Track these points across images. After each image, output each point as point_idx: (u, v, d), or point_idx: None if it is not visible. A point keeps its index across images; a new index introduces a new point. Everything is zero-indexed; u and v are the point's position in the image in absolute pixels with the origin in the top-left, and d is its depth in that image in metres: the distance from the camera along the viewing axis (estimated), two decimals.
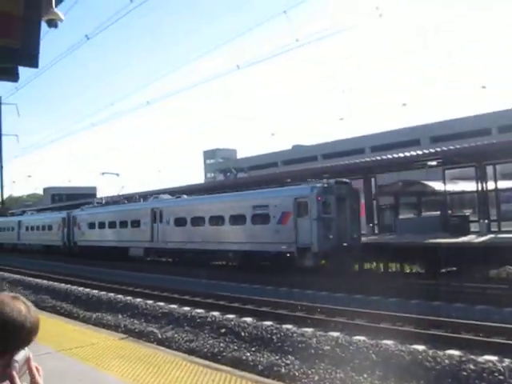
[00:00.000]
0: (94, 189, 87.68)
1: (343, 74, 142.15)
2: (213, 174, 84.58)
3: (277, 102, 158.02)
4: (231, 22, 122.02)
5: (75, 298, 18.38)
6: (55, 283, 22.79)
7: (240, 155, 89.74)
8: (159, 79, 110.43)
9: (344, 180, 24.54)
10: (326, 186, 22.91)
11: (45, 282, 23.42)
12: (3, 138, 63.12)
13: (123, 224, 34.47)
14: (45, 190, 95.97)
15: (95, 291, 19.55)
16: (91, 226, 38.62)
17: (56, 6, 4.30)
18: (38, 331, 1.62)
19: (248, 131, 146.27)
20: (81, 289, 20.42)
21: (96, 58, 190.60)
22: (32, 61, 3.73)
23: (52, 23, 3.99)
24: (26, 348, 1.61)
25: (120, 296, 18.01)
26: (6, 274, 27.66)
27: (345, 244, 22.03)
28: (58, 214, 45.96)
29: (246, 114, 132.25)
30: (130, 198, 39.41)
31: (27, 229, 49.52)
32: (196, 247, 27.74)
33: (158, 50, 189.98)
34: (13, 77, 3.95)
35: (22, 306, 1.59)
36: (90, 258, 35.10)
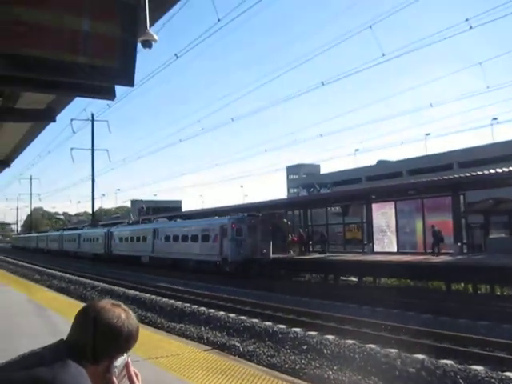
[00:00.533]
0: (180, 202, 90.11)
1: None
2: (296, 190, 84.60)
3: (362, 117, 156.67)
4: (318, 38, 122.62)
5: (160, 309, 18.87)
6: (141, 293, 23.52)
7: (323, 170, 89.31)
8: (244, 96, 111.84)
9: (255, 214, 34.52)
10: (239, 217, 33.92)
11: (132, 291, 24.24)
12: (95, 152, 66.38)
13: (137, 239, 47.02)
14: (132, 202, 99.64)
15: (179, 303, 20.00)
16: (120, 239, 51.93)
17: (150, 27, 4.51)
18: (137, 338, 1.69)
19: (332, 146, 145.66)
20: (165, 300, 20.96)
21: (183, 75, 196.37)
22: (128, 80, 3.91)
23: (146, 44, 4.18)
24: (125, 354, 1.67)
25: (203, 308, 18.34)
26: (96, 283, 28.85)
27: (255, 257, 31.92)
28: (102, 230, 58.60)
29: (330, 129, 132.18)
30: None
31: (84, 240, 62.48)
32: (174, 257, 39.58)
33: (242, 68, 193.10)
34: (110, 96, 4.15)
35: (122, 313, 1.66)
36: (121, 263, 46.85)
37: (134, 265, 44.04)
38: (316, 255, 30.64)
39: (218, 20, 16.79)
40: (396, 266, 23.54)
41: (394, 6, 24.25)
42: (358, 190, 37.60)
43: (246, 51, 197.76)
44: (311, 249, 33.78)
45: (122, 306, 1.70)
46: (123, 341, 1.64)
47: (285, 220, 36.09)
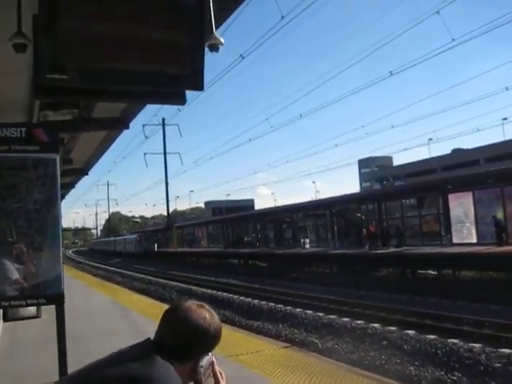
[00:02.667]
0: (252, 201, 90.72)
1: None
2: (368, 183, 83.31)
3: (434, 106, 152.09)
4: (383, 26, 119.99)
5: (237, 307, 19.13)
6: (218, 292, 23.91)
7: (396, 162, 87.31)
8: (311, 92, 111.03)
9: (148, 230, 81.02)
10: (140, 234, 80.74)
11: (209, 291, 24.70)
12: (168, 156, 67.92)
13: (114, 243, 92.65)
14: (206, 203, 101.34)
15: (256, 301, 20.18)
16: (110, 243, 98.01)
17: (216, 30, 4.58)
18: (221, 338, 1.74)
19: (404, 137, 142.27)
20: (242, 298, 21.22)
21: (250, 74, 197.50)
22: (198, 84, 4.00)
23: (213, 48, 4.25)
24: (210, 353, 1.73)
25: (280, 305, 18.41)
26: (174, 283, 29.58)
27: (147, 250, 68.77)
28: (111, 238, 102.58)
29: (401, 120, 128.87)
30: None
31: (119, 243, 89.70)
32: (120, 250, 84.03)
33: (306, 65, 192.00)
34: (181, 101, 4.26)
35: (207, 314, 1.71)
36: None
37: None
38: (392, 249, 30.06)
39: (282, 17, 16.80)
40: (476, 257, 22.76)
41: None
42: (434, 181, 36.53)
43: (311, 46, 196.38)
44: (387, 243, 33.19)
45: (206, 306, 1.74)
46: (210, 341, 1.69)
47: (358, 214, 35.64)
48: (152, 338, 1.69)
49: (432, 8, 25.62)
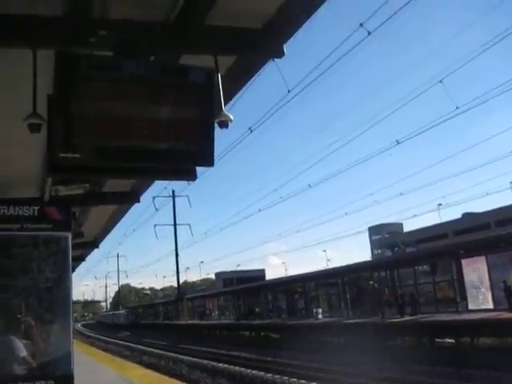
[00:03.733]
0: (263, 271, 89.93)
1: None
2: (379, 251, 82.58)
3: (442, 172, 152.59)
4: (387, 95, 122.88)
5: (250, 381, 18.57)
6: (230, 366, 23.26)
7: (407, 228, 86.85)
8: (320, 161, 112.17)
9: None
10: (128, 310, 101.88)
11: (220, 365, 24.03)
12: (178, 227, 68.12)
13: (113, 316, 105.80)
14: (216, 274, 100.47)
15: (269, 375, 19.57)
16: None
17: (224, 106, 4.70)
18: None
19: (413, 203, 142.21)
20: (255, 372, 20.59)
21: (260, 147, 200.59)
22: (208, 160, 4.07)
23: (223, 124, 4.34)
24: None
25: (294, 379, 17.86)
26: (185, 358, 28.88)
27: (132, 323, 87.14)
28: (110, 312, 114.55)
29: (410, 186, 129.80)
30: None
31: (115, 316, 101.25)
32: (116, 322, 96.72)
33: (313, 134, 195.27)
34: (191, 176, 4.32)
35: None
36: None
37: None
38: (407, 317, 29.42)
39: (288, 91, 17.22)
40: (493, 323, 22.20)
41: (460, 58, 24.06)
42: (446, 246, 36.20)
43: (316, 117, 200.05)
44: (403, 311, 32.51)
45: None
46: None
47: (371, 282, 35.15)
48: None
49: (435, 76, 26.23)
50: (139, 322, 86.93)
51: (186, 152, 4.02)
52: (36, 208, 4.59)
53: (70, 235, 4.65)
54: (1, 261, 4.45)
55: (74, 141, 3.77)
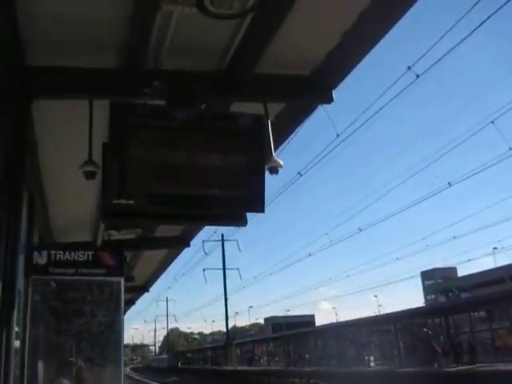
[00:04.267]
0: (312, 317, 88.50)
1: None
2: (433, 296, 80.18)
3: (497, 214, 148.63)
4: (431, 144, 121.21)
5: None
6: None
7: (460, 273, 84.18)
8: (367, 207, 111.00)
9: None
10: (173, 354, 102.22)
11: None
12: (227, 271, 68.10)
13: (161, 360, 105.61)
14: (265, 319, 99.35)
15: None
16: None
17: (275, 153, 4.73)
18: None
19: (467, 247, 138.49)
20: None
21: (309, 190, 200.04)
22: (258, 207, 4.08)
23: (273, 170, 4.36)
24: None
25: None
26: None
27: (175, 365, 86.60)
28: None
29: (464, 230, 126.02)
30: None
31: (159, 361, 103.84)
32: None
33: (362, 182, 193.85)
34: (242, 222, 4.33)
35: None
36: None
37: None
38: (465, 366, 28.20)
39: (337, 135, 17.25)
40: None
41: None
42: (503, 292, 34.83)
43: (367, 163, 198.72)
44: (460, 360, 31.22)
45: None
46: None
47: (425, 329, 34.00)
48: None
49: (486, 117, 25.80)
50: (177, 365, 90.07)
51: (236, 198, 4.04)
52: (90, 253, 4.68)
53: (122, 280, 4.71)
54: (56, 305, 4.52)
55: (127, 188, 3.85)
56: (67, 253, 4.64)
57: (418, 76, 12.15)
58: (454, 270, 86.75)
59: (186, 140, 4.03)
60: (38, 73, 4.58)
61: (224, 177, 4.01)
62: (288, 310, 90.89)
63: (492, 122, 22.34)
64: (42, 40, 4.35)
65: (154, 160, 3.92)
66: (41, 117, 5.42)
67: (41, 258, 4.56)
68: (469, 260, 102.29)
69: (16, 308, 4.32)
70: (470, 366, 27.33)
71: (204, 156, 4.01)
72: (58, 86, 4.67)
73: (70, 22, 4.15)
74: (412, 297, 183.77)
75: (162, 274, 17.42)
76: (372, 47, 4.80)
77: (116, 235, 9.26)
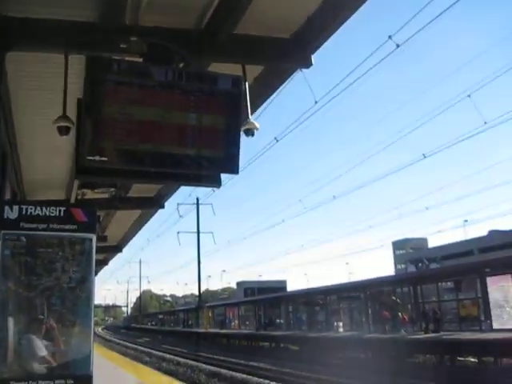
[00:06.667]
0: (284, 282, 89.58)
1: None
2: (403, 265, 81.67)
3: (469, 187, 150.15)
4: (414, 111, 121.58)
5: None
6: (248, 376, 23.08)
7: (431, 244, 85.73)
8: (344, 174, 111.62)
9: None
10: (128, 316, 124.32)
11: (239, 375, 23.86)
12: (201, 235, 68.25)
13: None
14: (238, 284, 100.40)
15: None
16: None
17: (251, 115, 4.72)
18: None
19: (439, 219, 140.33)
20: (273, 383, 20.43)
21: (283, 155, 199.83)
22: (233, 168, 4.08)
23: (249, 132, 4.35)
24: None
25: None
26: (203, 366, 28.77)
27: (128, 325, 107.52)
28: None
29: (436, 201, 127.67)
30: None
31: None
32: None
33: (340, 147, 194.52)
34: (216, 183, 4.35)
35: None
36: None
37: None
38: (430, 334, 28.98)
39: (315, 102, 17.17)
40: None
41: (489, 75, 23.76)
42: (471, 264, 35.63)
43: (344, 129, 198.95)
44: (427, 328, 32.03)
45: None
46: None
47: (394, 297, 34.73)
48: None
49: (463, 91, 25.90)
50: (130, 325, 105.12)
51: (211, 158, 4.04)
52: (62, 209, 4.64)
53: (94, 237, 4.70)
54: (26, 260, 4.50)
55: (101, 144, 3.82)
56: (39, 208, 4.59)
57: (398, 46, 12.06)
58: (424, 240, 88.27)
59: (162, 98, 3.99)
60: (14, 24, 4.47)
61: (199, 136, 4.00)
62: (260, 275, 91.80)
63: (469, 96, 22.41)
64: None
65: (128, 117, 3.89)
66: (15, 69, 5.32)
67: (12, 213, 4.50)
68: (440, 231, 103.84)
69: None
70: (435, 334, 28.09)
71: (179, 115, 3.98)
72: (33, 38, 4.56)
73: None
74: (383, 266, 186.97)
75: (135, 235, 17.41)
76: (352, 13, 4.78)
77: (90, 194, 9.20)
